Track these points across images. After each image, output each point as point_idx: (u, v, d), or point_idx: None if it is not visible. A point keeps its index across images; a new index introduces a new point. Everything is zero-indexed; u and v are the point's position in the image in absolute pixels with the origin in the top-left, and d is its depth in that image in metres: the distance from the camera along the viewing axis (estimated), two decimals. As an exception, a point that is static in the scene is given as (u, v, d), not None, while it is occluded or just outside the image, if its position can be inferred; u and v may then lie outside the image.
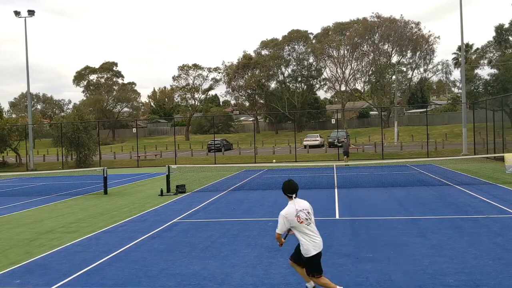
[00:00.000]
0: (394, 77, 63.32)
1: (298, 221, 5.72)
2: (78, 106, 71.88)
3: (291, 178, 6.10)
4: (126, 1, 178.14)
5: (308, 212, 5.87)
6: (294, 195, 5.91)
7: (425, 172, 21.97)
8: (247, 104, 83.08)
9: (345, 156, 28.57)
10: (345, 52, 68.27)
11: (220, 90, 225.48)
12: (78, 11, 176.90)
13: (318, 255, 5.83)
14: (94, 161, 37.80)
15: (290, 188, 5.92)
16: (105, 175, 18.76)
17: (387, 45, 65.54)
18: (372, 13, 66.07)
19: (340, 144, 28.98)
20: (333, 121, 51.35)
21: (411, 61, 65.90)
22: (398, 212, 11.95)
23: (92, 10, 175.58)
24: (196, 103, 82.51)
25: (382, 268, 7.22)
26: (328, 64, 71.58)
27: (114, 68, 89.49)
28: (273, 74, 75.51)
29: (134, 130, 51.92)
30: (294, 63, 75.63)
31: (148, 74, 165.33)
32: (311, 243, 5.77)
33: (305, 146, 45.45)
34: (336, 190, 16.57)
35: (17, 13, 37.54)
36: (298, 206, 5.82)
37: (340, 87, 71.57)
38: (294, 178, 23.10)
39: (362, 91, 75.29)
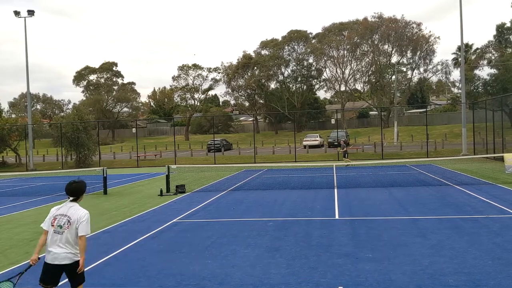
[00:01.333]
0: (393, 77, 63.36)
1: (51, 224, 5.34)
2: (78, 106, 72.02)
3: (77, 180, 5.56)
4: (126, 1, 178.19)
5: (69, 221, 5.29)
6: (69, 198, 5.45)
7: (424, 172, 21.98)
8: (246, 104, 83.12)
9: (346, 157, 28.95)
10: (345, 52, 68.33)
11: (220, 90, 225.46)
12: (78, 11, 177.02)
13: (50, 267, 5.38)
14: (94, 161, 37.79)
15: (66, 189, 5.50)
16: (105, 175, 18.76)
17: (387, 45, 65.62)
18: (374, 13, 66.11)
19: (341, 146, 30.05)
20: (332, 121, 51.34)
21: (411, 61, 66.02)
22: (397, 212, 11.95)
23: (92, 10, 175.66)
24: (196, 103, 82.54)
25: (382, 268, 7.22)
26: (328, 64, 71.69)
27: (114, 68, 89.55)
28: (273, 74, 75.55)
29: (133, 130, 51.92)
30: (294, 63, 75.69)
31: (148, 74, 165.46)
32: (47, 250, 5.36)
33: (304, 146, 45.47)
34: (335, 190, 16.57)
35: (16, 13, 37.53)
36: (63, 210, 5.36)
37: (339, 87, 71.66)
38: (294, 178, 22.89)
39: (361, 91, 75.35)
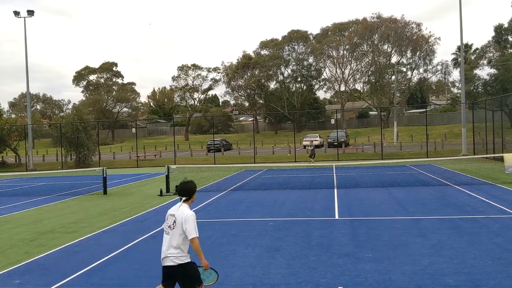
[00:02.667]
0: (393, 77, 63.38)
1: (165, 224, 5.34)
2: (78, 106, 72.01)
3: (188, 181, 5.45)
4: (126, 1, 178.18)
5: (175, 222, 5.20)
6: (181, 199, 5.34)
7: (424, 172, 21.99)
8: (246, 104, 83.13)
9: (311, 158, 29.91)
10: (345, 52, 68.36)
11: (219, 90, 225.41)
12: (78, 11, 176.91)
13: (164, 268, 5.26)
14: (94, 161, 37.80)
15: (177, 189, 5.42)
16: (105, 175, 18.76)
17: (386, 45, 65.65)
18: (373, 13, 66.17)
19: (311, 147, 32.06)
20: (332, 121, 51.34)
21: (410, 61, 66.04)
22: (397, 212, 11.95)
23: (92, 10, 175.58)
24: (196, 103, 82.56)
25: (382, 268, 7.22)
26: (327, 64, 71.71)
27: (114, 68, 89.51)
28: (272, 74, 75.55)
29: (133, 130, 51.93)
30: (294, 63, 75.70)
31: (148, 74, 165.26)
32: (162, 252, 5.28)
33: (304, 146, 45.47)
34: (335, 190, 16.57)
35: (16, 13, 37.51)
36: (173, 211, 5.29)
37: (339, 87, 71.67)
38: (294, 178, 22.84)
39: (361, 91, 75.38)
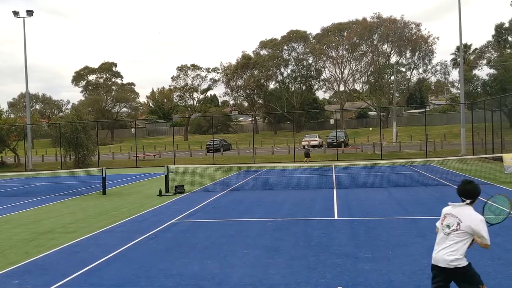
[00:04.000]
0: (392, 77, 63.42)
1: (441, 222, 5.00)
2: (77, 106, 71.97)
3: (469, 181, 5.10)
4: (125, 1, 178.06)
5: (459, 224, 4.83)
6: (464, 200, 5.00)
7: (423, 172, 21.99)
8: (246, 104, 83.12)
9: (306, 158, 30.46)
10: (344, 52, 68.39)
11: (219, 91, 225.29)
12: (77, 11, 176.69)
13: (434, 268, 4.97)
14: (93, 161, 37.78)
15: (458, 190, 5.07)
16: (104, 175, 18.74)
17: (386, 45, 65.70)
18: (374, 13, 66.25)
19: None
20: (331, 121, 51.36)
21: (410, 61, 66.09)
22: (397, 212, 11.95)
23: (91, 10, 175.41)
24: (195, 103, 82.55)
25: (381, 268, 7.22)
26: (327, 64, 71.73)
27: (113, 69, 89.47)
28: (272, 74, 75.52)
29: (132, 130, 51.91)
30: (293, 63, 75.69)
31: (147, 75, 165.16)
32: (434, 251, 5.03)
33: (303, 147, 45.46)
34: (335, 190, 16.56)
35: (15, 13, 37.48)
36: (456, 211, 4.95)
37: (338, 87, 71.69)
38: (293, 178, 22.74)
39: (360, 91, 75.41)
